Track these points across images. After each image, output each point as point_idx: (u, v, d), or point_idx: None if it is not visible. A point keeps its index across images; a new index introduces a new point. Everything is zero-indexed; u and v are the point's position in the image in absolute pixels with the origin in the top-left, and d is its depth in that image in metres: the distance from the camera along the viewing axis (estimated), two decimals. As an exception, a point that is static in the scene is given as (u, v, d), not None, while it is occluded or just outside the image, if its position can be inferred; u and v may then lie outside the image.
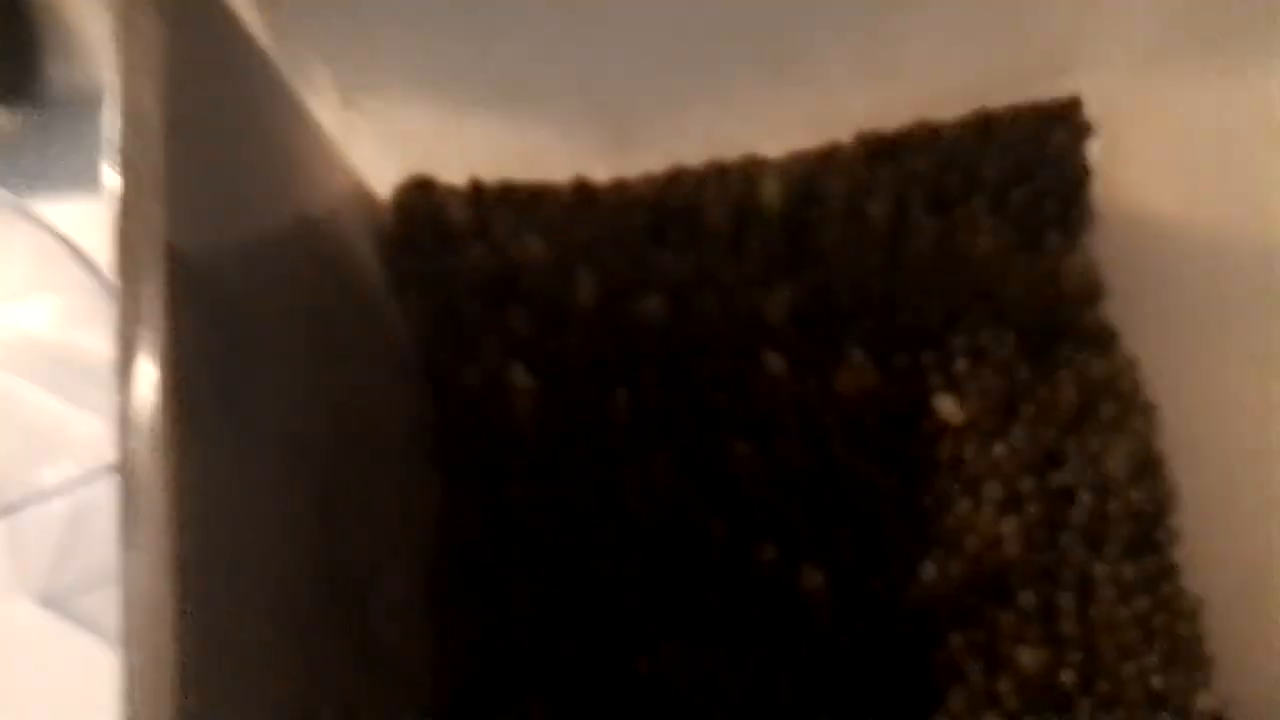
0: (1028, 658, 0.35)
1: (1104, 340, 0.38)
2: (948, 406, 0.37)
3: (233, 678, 0.23)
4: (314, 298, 0.31)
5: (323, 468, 0.29)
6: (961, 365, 0.38)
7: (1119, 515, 0.36)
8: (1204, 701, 0.35)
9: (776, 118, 0.40)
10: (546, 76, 0.37)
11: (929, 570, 0.36)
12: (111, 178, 0.21)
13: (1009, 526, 0.36)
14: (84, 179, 0.24)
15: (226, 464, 0.24)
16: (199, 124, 0.24)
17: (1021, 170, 0.39)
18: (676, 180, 0.40)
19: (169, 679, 0.20)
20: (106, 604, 0.26)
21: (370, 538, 0.32)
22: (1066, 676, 0.35)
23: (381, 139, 0.37)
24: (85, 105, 0.38)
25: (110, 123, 0.22)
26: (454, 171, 0.39)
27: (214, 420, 0.24)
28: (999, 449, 0.37)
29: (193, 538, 0.21)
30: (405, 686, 0.34)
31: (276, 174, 0.31)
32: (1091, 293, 0.39)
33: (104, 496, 0.24)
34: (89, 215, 0.23)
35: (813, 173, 0.39)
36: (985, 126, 0.39)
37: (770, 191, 0.39)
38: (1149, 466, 0.37)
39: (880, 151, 0.39)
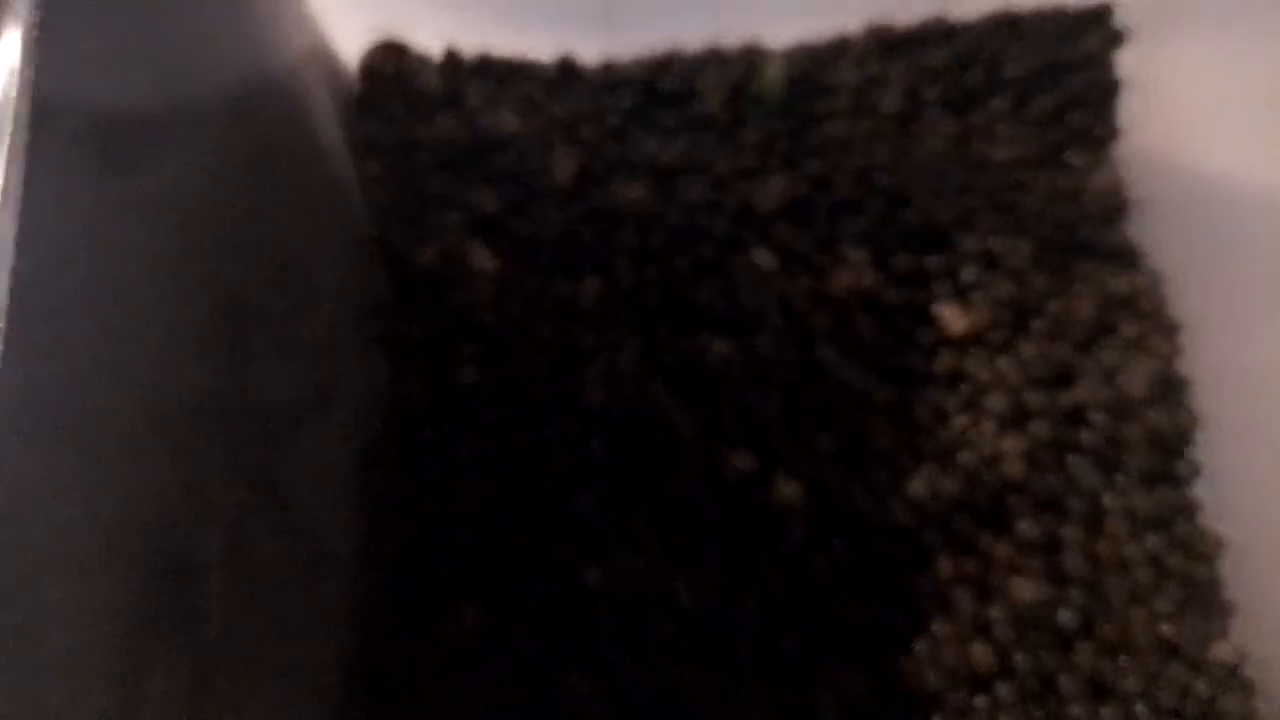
0: (1024, 591, 0.31)
1: (1126, 257, 0.35)
2: (951, 315, 0.34)
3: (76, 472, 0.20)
4: (254, 149, 0.28)
5: (240, 289, 0.26)
6: (969, 272, 0.34)
7: (1135, 440, 0.32)
8: (1219, 653, 0.31)
9: (783, 2, 0.37)
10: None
11: (918, 486, 0.32)
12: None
13: (1011, 444, 0.32)
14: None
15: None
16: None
17: (1046, 75, 0.36)
18: (670, 63, 0.37)
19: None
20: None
21: (292, 385, 0.29)
22: (1066, 617, 0.31)
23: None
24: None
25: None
26: (427, 36, 0.36)
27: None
28: (1005, 363, 0.33)
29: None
30: (325, 559, 0.30)
31: (223, 13, 0.28)
32: (1116, 211, 0.36)
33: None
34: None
35: (820, 62, 0.36)
36: (1009, 26, 0.36)
37: (773, 78, 0.36)
38: (1170, 389, 0.33)
39: (893, 44, 0.36)
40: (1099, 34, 0.36)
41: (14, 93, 0.20)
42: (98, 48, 0.22)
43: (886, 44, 0.36)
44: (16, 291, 0.19)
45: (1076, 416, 0.33)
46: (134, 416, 0.22)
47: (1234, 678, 0.31)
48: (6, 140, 0.19)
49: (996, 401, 0.33)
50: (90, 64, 0.22)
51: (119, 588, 0.21)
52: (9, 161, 0.18)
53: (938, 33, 0.36)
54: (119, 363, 0.22)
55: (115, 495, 0.21)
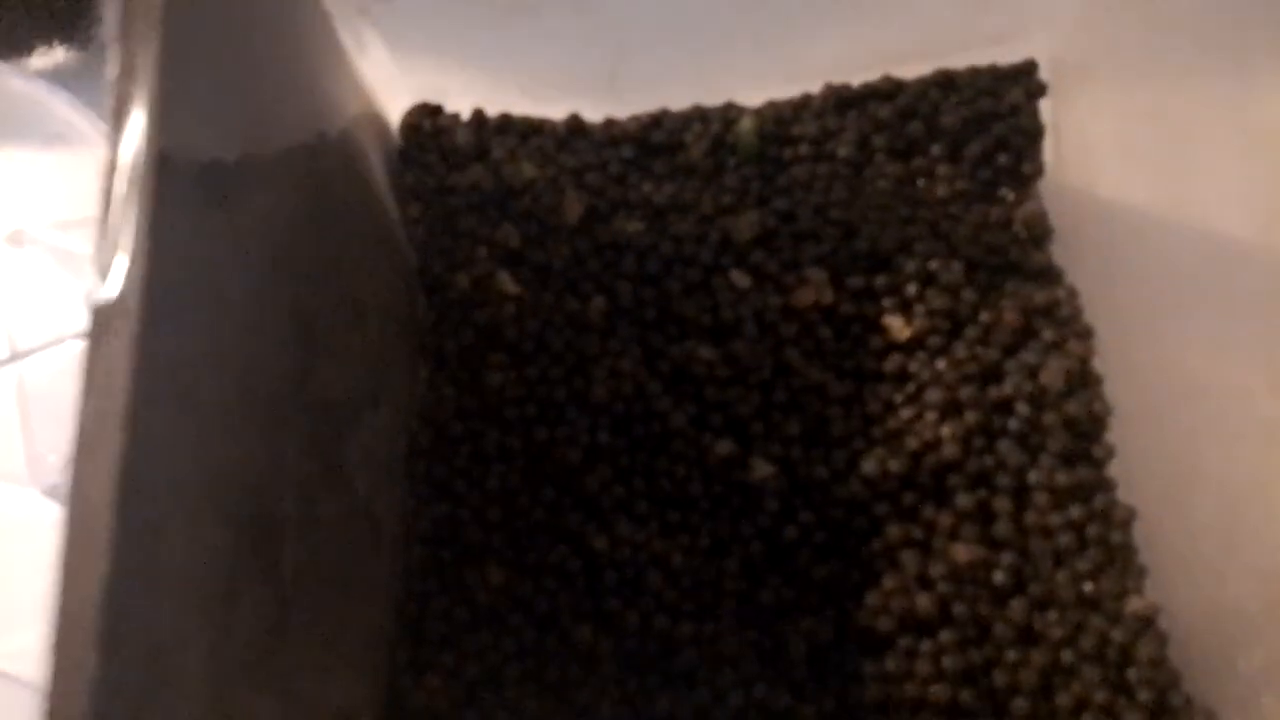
0: (962, 553, 0.35)
1: (1049, 275, 0.39)
2: (896, 324, 0.38)
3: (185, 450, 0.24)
4: (318, 190, 0.33)
5: (308, 302, 0.31)
6: (911, 288, 0.39)
7: (1054, 425, 0.36)
8: (1134, 606, 0.35)
9: (754, 69, 0.41)
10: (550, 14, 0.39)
11: (870, 466, 0.36)
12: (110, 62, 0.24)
13: (948, 430, 0.36)
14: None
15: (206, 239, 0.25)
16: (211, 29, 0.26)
17: (978, 124, 0.41)
18: (661, 120, 0.42)
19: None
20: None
21: (351, 385, 0.33)
22: (1000, 576, 0.35)
23: (392, 63, 0.39)
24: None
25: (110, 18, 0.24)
26: (458, 100, 0.41)
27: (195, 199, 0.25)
28: (942, 363, 0.38)
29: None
30: (376, 529, 0.35)
31: (296, 81, 0.34)
32: (1041, 236, 0.40)
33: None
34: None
35: (786, 117, 0.41)
36: (946, 83, 0.41)
37: (747, 130, 0.41)
38: (1085, 383, 0.37)
39: (848, 101, 0.41)
40: (1024, 87, 0.41)
41: (143, 146, 0.25)
42: (202, 110, 0.27)
43: (841, 101, 0.41)
44: (147, 296, 0.23)
45: (1004, 407, 0.37)
46: (231, 397, 0.27)
47: (1147, 628, 0.35)
48: (140, 183, 0.24)
49: (935, 395, 0.37)
50: (196, 123, 0.27)
51: (217, 532, 0.26)
52: (141, 198, 0.23)
53: (885, 90, 0.41)
54: (220, 353, 0.27)
55: (217, 458, 0.26)
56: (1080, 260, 0.40)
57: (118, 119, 0.23)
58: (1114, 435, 0.37)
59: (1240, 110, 0.31)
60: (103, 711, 0.19)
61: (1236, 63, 0.32)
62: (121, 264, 0.23)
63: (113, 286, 0.23)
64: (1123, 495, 0.37)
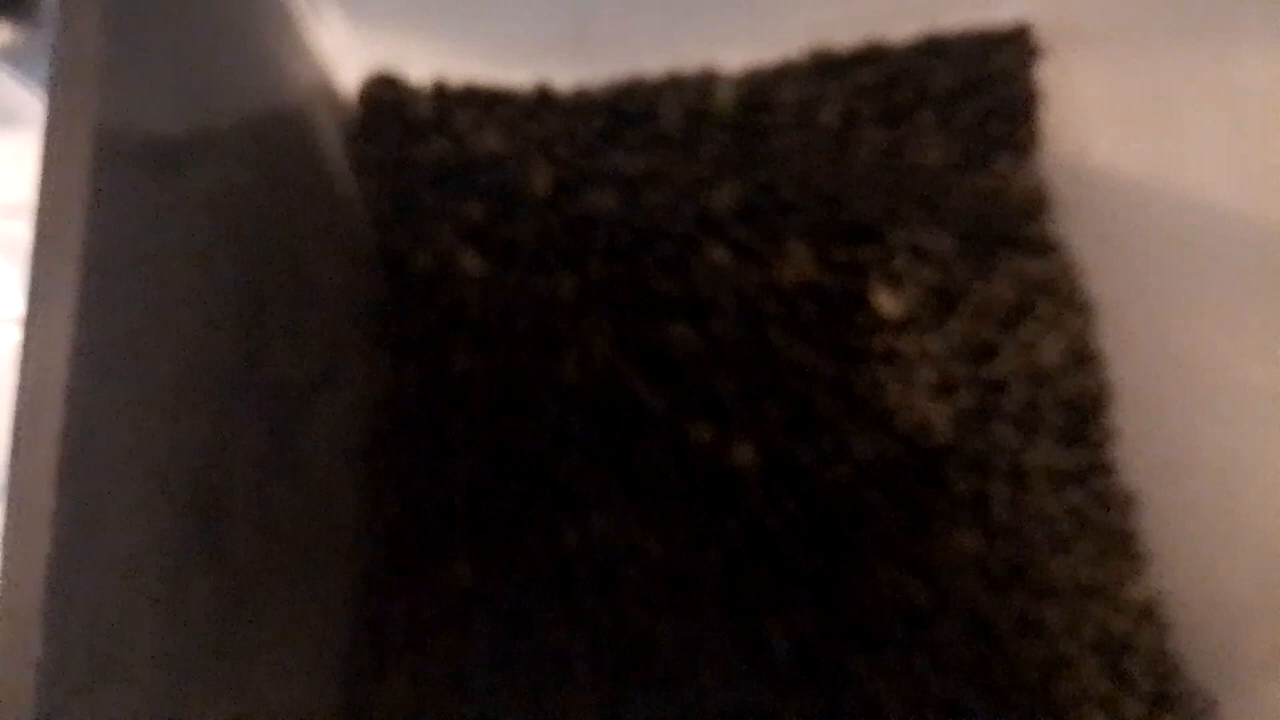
0: (959, 540, 0.36)
1: (1045, 248, 0.40)
2: (884, 299, 0.39)
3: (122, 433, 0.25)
4: (270, 164, 0.34)
5: (260, 279, 0.31)
6: (900, 261, 0.39)
7: (1051, 404, 0.37)
8: (1134, 593, 0.36)
9: (731, 27, 0.42)
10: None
11: (860, 449, 0.37)
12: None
13: (940, 411, 0.37)
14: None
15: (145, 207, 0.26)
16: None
17: (969, 90, 0.41)
18: (634, 88, 0.42)
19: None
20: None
21: (305, 366, 0.34)
22: (998, 564, 0.36)
23: (349, 32, 0.40)
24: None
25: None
26: (418, 68, 0.42)
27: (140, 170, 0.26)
28: (933, 341, 0.38)
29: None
30: (333, 516, 0.35)
31: (247, 52, 0.34)
32: (1037, 208, 0.41)
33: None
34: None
35: (766, 83, 0.42)
36: (935, 47, 0.41)
37: (724, 98, 0.41)
38: (1083, 360, 0.38)
39: (831, 66, 0.42)
40: (1018, 51, 0.42)
41: (84, 117, 0.25)
42: (146, 82, 0.28)
43: (825, 66, 0.42)
44: (87, 268, 0.24)
45: (999, 386, 0.38)
46: (176, 375, 0.27)
47: (1148, 616, 0.35)
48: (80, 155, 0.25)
49: (926, 374, 0.38)
50: (140, 95, 0.27)
51: (164, 514, 0.26)
52: (80, 171, 0.24)
53: (871, 55, 0.41)
54: (165, 330, 0.27)
55: (162, 437, 0.27)
56: (1075, 232, 0.41)
57: (57, 90, 0.24)
58: (1112, 415, 0.38)
59: (1228, 75, 0.32)
60: (49, 698, 0.19)
61: (1224, 27, 0.32)
62: (60, 239, 0.23)
63: (50, 261, 0.23)
64: (1121, 478, 0.37)
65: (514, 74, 0.43)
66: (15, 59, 0.46)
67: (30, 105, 0.43)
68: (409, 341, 0.40)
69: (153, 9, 0.28)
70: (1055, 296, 0.39)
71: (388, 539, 0.37)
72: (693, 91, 0.42)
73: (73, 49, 0.25)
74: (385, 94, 0.42)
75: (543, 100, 0.42)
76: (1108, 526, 0.37)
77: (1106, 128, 0.40)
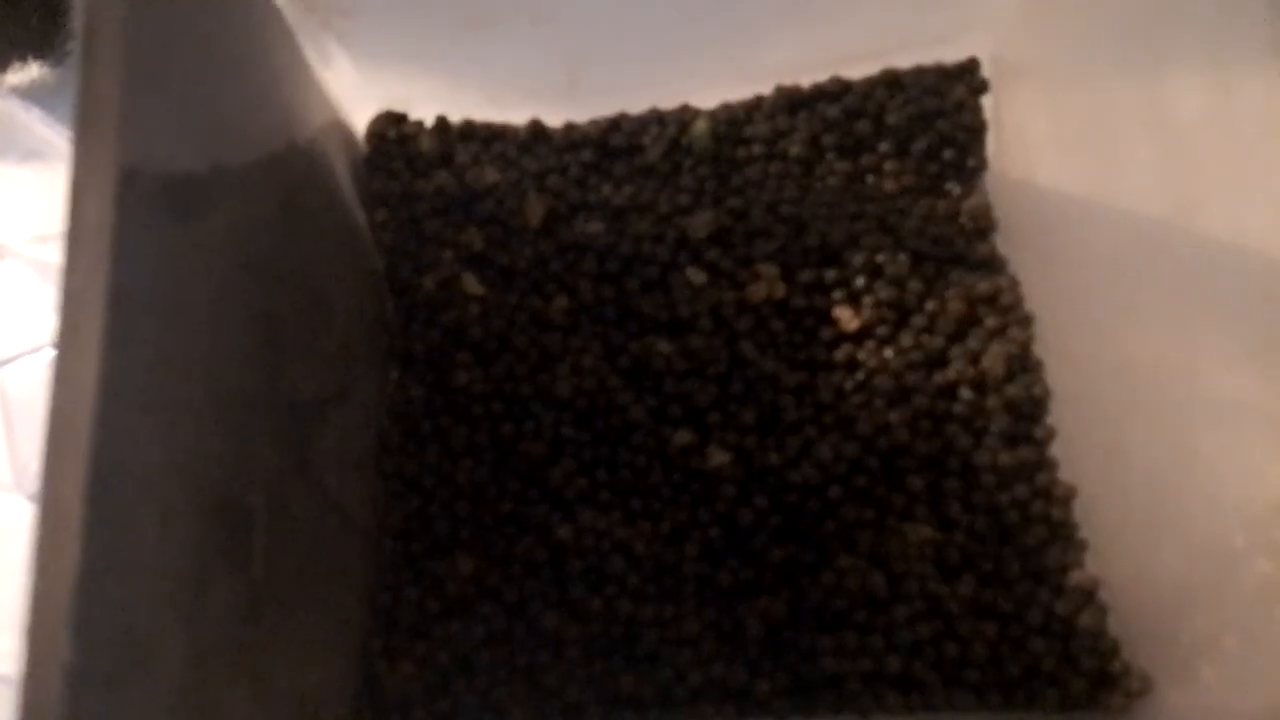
0: (915, 533, 0.36)
1: (991, 265, 0.40)
2: (846, 315, 0.39)
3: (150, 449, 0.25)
4: (285, 199, 0.34)
5: (277, 306, 0.32)
6: (860, 281, 0.40)
7: (998, 408, 0.37)
8: (1076, 579, 0.36)
9: (708, 72, 0.42)
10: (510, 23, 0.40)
11: (823, 451, 0.37)
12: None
13: (897, 416, 0.37)
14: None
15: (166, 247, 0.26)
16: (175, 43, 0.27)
17: (924, 121, 0.42)
18: (620, 124, 0.43)
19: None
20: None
21: (319, 384, 0.34)
22: (951, 554, 0.36)
23: (357, 75, 0.40)
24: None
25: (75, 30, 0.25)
26: (422, 108, 0.42)
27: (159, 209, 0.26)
28: (890, 352, 0.39)
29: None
30: (347, 522, 0.36)
31: (261, 95, 0.34)
32: (985, 228, 0.41)
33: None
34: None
35: (739, 118, 0.42)
36: (892, 82, 0.42)
37: (701, 133, 0.42)
38: (1025, 367, 0.38)
39: (798, 101, 0.42)
40: (967, 84, 0.42)
41: (108, 160, 0.25)
42: (167, 125, 0.28)
43: (792, 101, 0.42)
44: (114, 301, 0.24)
45: (949, 392, 0.38)
46: (198, 396, 0.28)
47: (1089, 600, 0.36)
48: (105, 195, 0.25)
49: (883, 382, 0.38)
50: (161, 137, 0.28)
51: (188, 523, 0.27)
52: (106, 211, 0.24)
53: (833, 90, 0.42)
54: (187, 355, 0.28)
55: (186, 454, 0.27)
56: (1020, 250, 0.41)
57: (82, 134, 0.24)
58: (1054, 417, 0.39)
59: (1157, 105, 0.33)
60: (77, 696, 0.20)
61: (1153, 63, 0.33)
62: (87, 273, 0.24)
63: (79, 294, 0.24)
64: (1063, 474, 0.38)
65: (510, 113, 0.43)
66: (43, 97, 0.47)
67: (53, 143, 0.44)
68: (415, 358, 0.40)
69: (173, 53, 0.28)
70: (1000, 310, 0.39)
71: (397, 537, 0.38)
72: (673, 127, 0.42)
73: (95, 89, 0.25)
74: (391, 131, 0.43)
75: (536, 136, 0.43)
76: (1051, 518, 0.37)
77: (1048, 154, 0.41)
